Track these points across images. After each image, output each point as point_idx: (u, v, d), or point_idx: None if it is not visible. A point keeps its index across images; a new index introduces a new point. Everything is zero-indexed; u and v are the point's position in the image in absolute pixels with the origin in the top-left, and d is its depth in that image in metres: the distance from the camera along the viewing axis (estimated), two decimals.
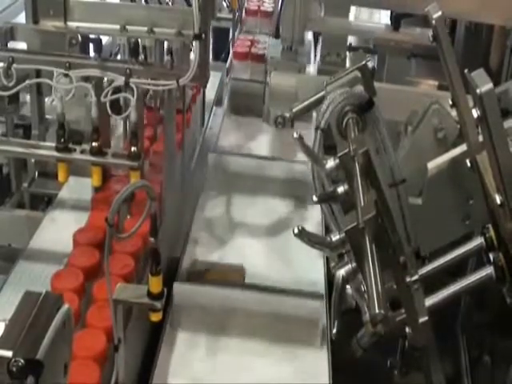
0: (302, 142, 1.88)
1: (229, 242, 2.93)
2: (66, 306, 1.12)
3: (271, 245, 2.94)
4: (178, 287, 2.46)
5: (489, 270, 1.71)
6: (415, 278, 1.75)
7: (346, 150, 1.69)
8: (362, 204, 1.57)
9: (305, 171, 3.16)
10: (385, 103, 2.02)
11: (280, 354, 2.40)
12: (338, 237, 1.76)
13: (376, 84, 1.98)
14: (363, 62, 1.97)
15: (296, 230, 1.75)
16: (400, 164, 2.01)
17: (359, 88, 1.96)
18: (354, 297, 1.87)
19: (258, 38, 4.48)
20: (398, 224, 1.80)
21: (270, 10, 4.53)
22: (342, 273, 1.82)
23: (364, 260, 1.52)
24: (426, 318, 1.76)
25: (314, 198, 1.83)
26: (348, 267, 1.81)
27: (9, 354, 1.07)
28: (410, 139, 2.18)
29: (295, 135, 1.85)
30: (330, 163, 1.79)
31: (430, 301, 1.77)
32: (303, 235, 1.77)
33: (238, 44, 4.37)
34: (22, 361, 1.05)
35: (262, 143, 3.68)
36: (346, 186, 1.73)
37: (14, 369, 1.05)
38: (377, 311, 1.41)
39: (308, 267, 2.76)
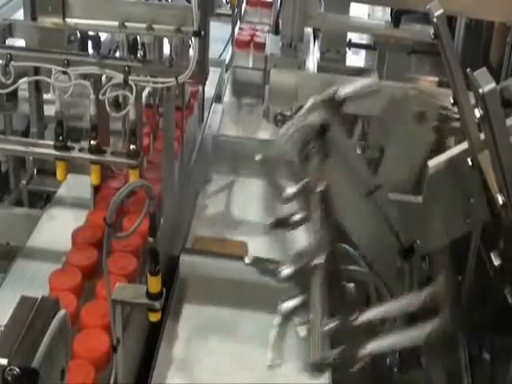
0: (266, 171, 1.89)
1: (231, 220, 3.04)
2: (62, 312, 1.09)
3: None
4: (184, 258, 2.62)
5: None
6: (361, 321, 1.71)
7: (306, 181, 1.71)
8: (314, 245, 1.57)
9: None
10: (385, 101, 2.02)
11: None
12: (287, 271, 1.73)
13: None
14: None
15: (247, 260, 1.75)
16: (390, 160, 2.01)
17: (312, 118, 1.95)
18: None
19: (259, 27, 4.53)
20: (384, 227, 1.80)
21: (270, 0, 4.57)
22: (288, 305, 1.79)
23: (310, 300, 1.52)
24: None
25: (268, 225, 1.82)
26: (296, 300, 1.77)
27: (4, 362, 1.05)
28: (395, 132, 2.18)
29: (257, 158, 1.87)
30: (289, 191, 1.78)
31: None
32: (256, 263, 1.77)
33: (241, 33, 4.42)
34: (18, 369, 1.03)
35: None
36: (303, 215, 1.73)
37: (10, 377, 1.02)
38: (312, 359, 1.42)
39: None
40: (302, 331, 1.70)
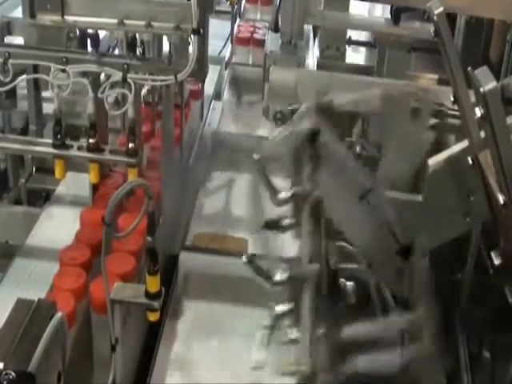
0: (263, 172, 1.88)
1: (231, 217, 3.05)
2: (58, 314, 1.08)
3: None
4: (184, 255, 2.63)
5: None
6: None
7: (299, 189, 1.71)
8: (306, 257, 1.57)
9: None
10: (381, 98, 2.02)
11: None
12: (279, 277, 1.73)
13: (376, 79, 1.96)
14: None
15: (245, 259, 1.74)
16: (389, 158, 2.01)
17: (303, 124, 1.95)
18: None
19: (258, 24, 4.55)
20: (380, 229, 1.79)
21: None
22: (279, 309, 1.79)
23: (301, 310, 1.52)
24: None
25: (261, 226, 1.83)
26: (286, 306, 1.77)
27: None
28: (393, 130, 2.18)
29: (255, 157, 1.87)
30: (283, 195, 1.78)
31: None
32: (252, 263, 1.76)
33: (240, 29, 4.44)
34: (13, 373, 1.00)
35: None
36: (294, 221, 1.73)
37: (5, 382, 0.99)
38: (302, 368, 1.43)
39: None
40: (292, 333, 1.70)
